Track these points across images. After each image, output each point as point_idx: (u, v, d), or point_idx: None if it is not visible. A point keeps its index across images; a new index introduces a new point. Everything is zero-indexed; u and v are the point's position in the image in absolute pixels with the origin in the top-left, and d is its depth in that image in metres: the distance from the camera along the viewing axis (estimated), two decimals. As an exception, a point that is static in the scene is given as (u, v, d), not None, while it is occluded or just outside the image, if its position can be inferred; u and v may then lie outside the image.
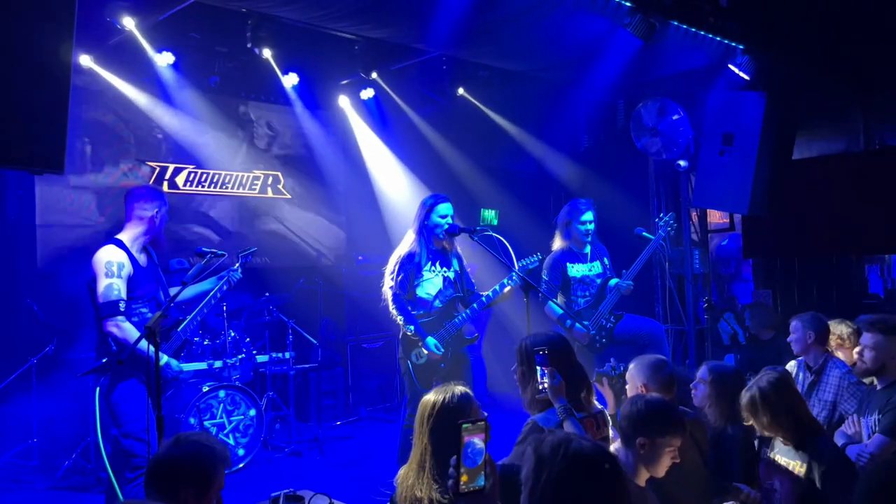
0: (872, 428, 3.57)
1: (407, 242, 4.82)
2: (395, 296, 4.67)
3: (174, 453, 2.18)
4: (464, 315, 4.73)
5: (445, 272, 4.80)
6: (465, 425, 2.07)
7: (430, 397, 2.67)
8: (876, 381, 3.69)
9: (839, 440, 3.65)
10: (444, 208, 4.78)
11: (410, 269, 4.72)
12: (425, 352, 4.64)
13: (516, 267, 4.52)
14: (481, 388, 7.39)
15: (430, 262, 4.75)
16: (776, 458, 3.07)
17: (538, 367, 2.84)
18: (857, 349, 4.09)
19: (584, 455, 1.74)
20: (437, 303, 4.76)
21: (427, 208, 4.79)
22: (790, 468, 2.98)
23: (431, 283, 4.77)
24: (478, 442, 1.99)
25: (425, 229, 4.77)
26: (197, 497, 2.14)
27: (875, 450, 3.43)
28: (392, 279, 4.70)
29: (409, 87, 7.56)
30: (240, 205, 7.42)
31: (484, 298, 4.72)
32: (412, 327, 4.61)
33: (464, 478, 2.03)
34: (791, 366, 4.45)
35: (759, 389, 3.04)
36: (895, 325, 3.73)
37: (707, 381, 3.43)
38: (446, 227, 4.74)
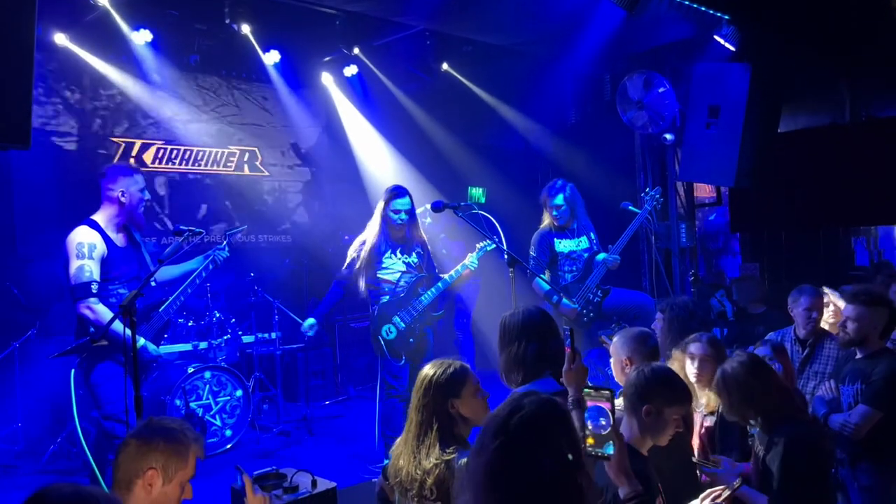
0: (855, 398, 3.58)
1: (371, 230, 5.05)
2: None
3: (143, 434, 2.14)
4: (430, 293, 4.98)
5: (406, 258, 5.05)
6: (586, 390, 2.11)
7: (426, 370, 2.66)
8: (857, 351, 3.69)
9: (819, 408, 3.65)
10: (400, 203, 4.98)
11: (372, 256, 4.99)
12: (395, 328, 4.92)
13: (504, 244, 4.52)
14: (470, 365, 7.38)
15: (388, 251, 5.00)
16: (755, 438, 3.05)
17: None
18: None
19: (536, 415, 1.71)
20: (402, 283, 4.99)
21: (385, 200, 5.02)
22: (757, 450, 2.96)
23: (394, 267, 5.00)
24: (604, 408, 2.04)
25: (384, 220, 5.00)
26: (162, 481, 2.09)
27: (859, 420, 3.44)
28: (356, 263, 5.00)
29: (392, 63, 7.45)
30: (223, 183, 7.33)
31: (448, 278, 4.99)
32: (387, 299, 4.95)
33: (589, 440, 2.08)
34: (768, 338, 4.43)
35: (722, 372, 2.94)
36: (878, 296, 3.74)
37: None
38: (399, 221, 4.97)
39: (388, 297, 4.97)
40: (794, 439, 2.76)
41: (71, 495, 1.48)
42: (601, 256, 5.40)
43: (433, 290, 5.00)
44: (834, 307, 4.43)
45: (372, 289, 5.02)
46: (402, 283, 4.99)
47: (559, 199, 5.47)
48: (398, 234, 5.01)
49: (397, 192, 5.02)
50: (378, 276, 4.99)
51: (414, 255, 5.07)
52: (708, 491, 2.56)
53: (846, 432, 3.45)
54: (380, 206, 5.04)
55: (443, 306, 5.26)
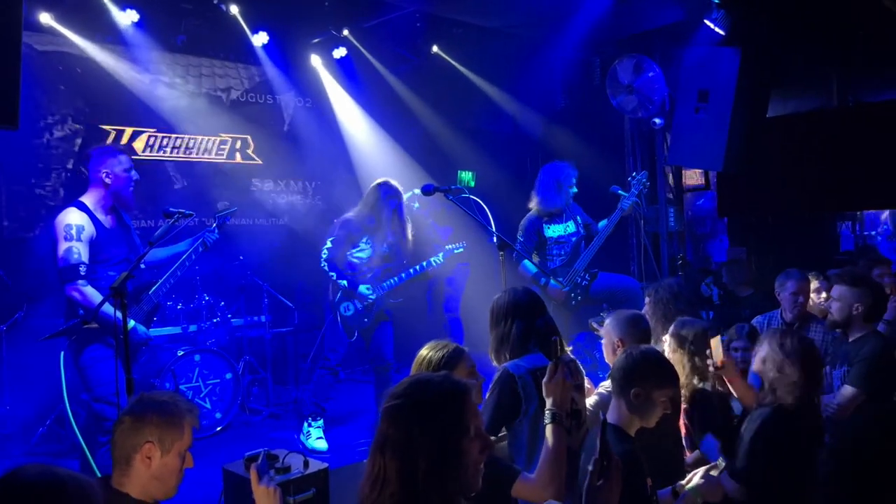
0: (842, 379, 3.63)
1: (359, 214, 5.41)
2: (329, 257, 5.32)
3: (136, 409, 2.15)
4: (391, 282, 5.37)
5: (379, 248, 5.38)
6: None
7: (423, 352, 2.68)
8: (848, 335, 3.74)
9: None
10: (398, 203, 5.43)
11: (352, 237, 5.36)
12: (351, 305, 5.32)
13: (493, 227, 4.54)
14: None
15: (366, 237, 5.36)
16: None
17: None
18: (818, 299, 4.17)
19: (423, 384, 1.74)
20: (366, 267, 5.37)
21: (387, 197, 5.34)
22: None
23: (364, 253, 5.39)
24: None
25: (376, 212, 5.34)
26: (160, 453, 2.11)
27: (843, 401, 3.49)
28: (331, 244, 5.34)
29: (382, 45, 7.40)
30: (211, 166, 7.25)
31: (411, 271, 5.41)
32: (345, 282, 5.25)
33: None
34: (756, 322, 4.49)
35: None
36: (861, 276, 3.80)
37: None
38: (389, 218, 5.34)
39: (352, 278, 5.32)
40: (766, 419, 2.83)
41: (37, 476, 1.46)
42: (603, 223, 5.52)
43: (395, 279, 5.38)
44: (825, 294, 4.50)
45: (341, 267, 5.35)
46: (366, 267, 5.37)
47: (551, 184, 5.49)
48: (380, 228, 5.34)
49: (399, 194, 5.40)
50: (350, 258, 5.37)
51: (386, 245, 5.39)
52: (696, 470, 2.60)
53: (828, 413, 3.50)
54: (375, 197, 5.33)
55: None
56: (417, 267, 5.43)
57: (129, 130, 6.73)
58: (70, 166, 6.30)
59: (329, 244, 5.31)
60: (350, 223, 5.37)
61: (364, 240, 5.36)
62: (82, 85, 6.41)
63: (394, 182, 5.46)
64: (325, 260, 5.27)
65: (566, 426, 2.43)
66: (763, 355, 2.96)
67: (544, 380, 2.45)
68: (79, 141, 6.40)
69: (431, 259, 5.42)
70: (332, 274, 5.26)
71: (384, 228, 5.33)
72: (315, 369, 5.56)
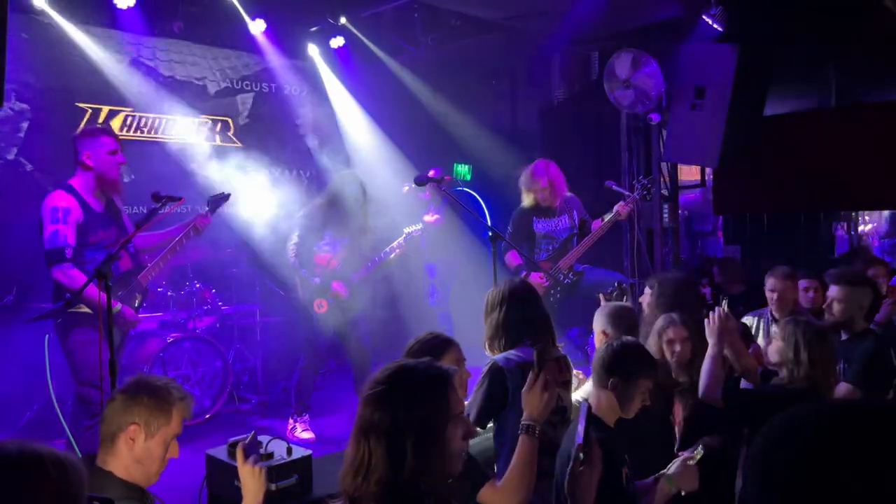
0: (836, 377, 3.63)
1: (317, 209, 5.42)
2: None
3: (130, 389, 2.15)
4: (360, 271, 5.36)
5: (344, 241, 5.37)
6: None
7: (415, 341, 2.68)
8: (842, 332, 3.74)
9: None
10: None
11: (313, 233, 5.33)
12: (325, 302, 5.26)
13: (488, 221, 4.54)
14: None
15: (329, 231, 5.32)
16: None
17: None
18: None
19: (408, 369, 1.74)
20: (335, 261, 5.35)
21: (355, 192, 5.33)
22: None
23: (330, 245, 5.37)
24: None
25: (339, 206, 5.32)
26: (144, 436, 2.09)
27: (840, 398, 3.48)
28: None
29: (380, 35, 7.36)
30: (199, 152, 7.16)
31: (371, 262, 5.40)
32: (317, 279, 5.25)
33: None
34: (748, 321, 4.50)
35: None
36: (862, 276, 3.81)
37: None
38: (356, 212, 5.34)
39: (322, 275, 5.27)
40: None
41: (15, 451, 1.42)
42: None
43: (362, 269, 5.38)
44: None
45: (308, 262, 5.32)
46: (334, 260, 5.35)
47: (543, 181, 5.47)
48: (345, 219, 5.29)
49: (363, 185, 5.38)
50: (317, 251, 5.33)
51: (351, 236, 5.35)
52: (675, 459, 2.61)
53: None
54: (340, 188, 5.32)
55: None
56: (382, 254, 5.42)
57: (105, 109, 6.56)
58: (56, 149, 6.18)
59: (295, 238, 5.26)
60: (314, 215, 5.34)
61: (329, 232, 5.34)
62: (67, 65, 6.32)
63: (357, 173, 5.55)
64: (295, 256, 5.25)
65: (538, 438, 2.38)
66: (778, 346, 3.00)
67: (523, 389, 2.42)
68: (59, 120, 6.20)
69: (395, 242, 5.41)
70: (304, 271, 5.26)
71: (349, 219, 5.30)
72: (296, 369, 5.55)
